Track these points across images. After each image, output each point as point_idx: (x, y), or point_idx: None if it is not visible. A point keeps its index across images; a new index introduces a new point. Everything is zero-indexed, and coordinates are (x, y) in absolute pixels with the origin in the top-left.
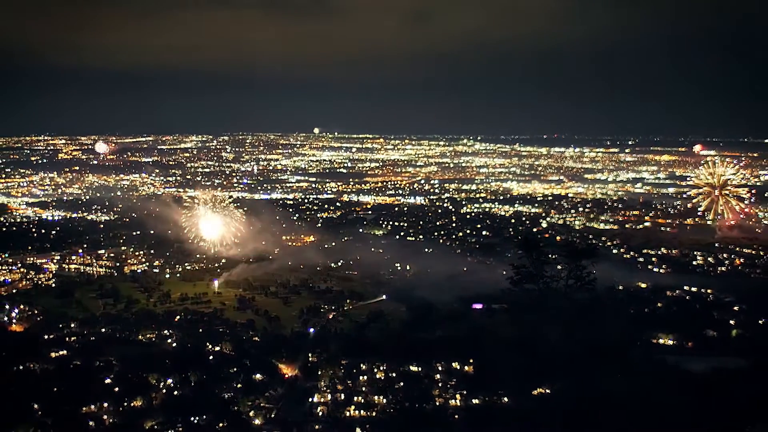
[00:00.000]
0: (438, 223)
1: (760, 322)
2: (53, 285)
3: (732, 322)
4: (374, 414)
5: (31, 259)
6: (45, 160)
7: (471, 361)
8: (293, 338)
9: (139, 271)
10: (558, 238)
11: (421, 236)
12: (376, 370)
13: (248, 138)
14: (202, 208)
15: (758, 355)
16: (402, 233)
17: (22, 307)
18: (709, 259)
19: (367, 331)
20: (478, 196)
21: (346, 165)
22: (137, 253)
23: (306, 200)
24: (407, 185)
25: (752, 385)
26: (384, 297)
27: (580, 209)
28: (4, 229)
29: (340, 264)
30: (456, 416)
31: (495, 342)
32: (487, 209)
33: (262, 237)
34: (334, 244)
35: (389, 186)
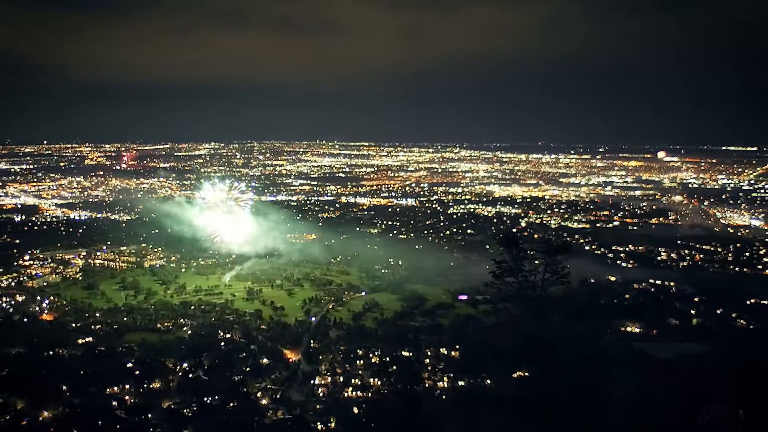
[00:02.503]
0: (427, 223)
1: (718, 311)
2: (80, 278)
3: (692, 311)
4: (370, 395)
5: (60, 254)
6: (72, 166)
7: (457, 347)
8: (297, 326)
9: (157, 265)
10: (536, 236)
11: (412, 234)
12: (371, 355)
13: (255, 146)
14: (214, 209)
15: (715, 341)
16: (395, 231)
17: (52, 298)
18: (672, 254)
19: (363, 320)
20: (463, 198)
21: (344, 170)
22: (156, 250)
23: (308, 202)
24: (399, 188)
25: (710, 367)
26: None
27: (556, 210)
28: (36, 227)
29: (338, 259)
30: (444, 397)
31: (478, 330)
32: (471, 210)
33: (269, 235)
34: (333, 241)
35: (383, 189)
